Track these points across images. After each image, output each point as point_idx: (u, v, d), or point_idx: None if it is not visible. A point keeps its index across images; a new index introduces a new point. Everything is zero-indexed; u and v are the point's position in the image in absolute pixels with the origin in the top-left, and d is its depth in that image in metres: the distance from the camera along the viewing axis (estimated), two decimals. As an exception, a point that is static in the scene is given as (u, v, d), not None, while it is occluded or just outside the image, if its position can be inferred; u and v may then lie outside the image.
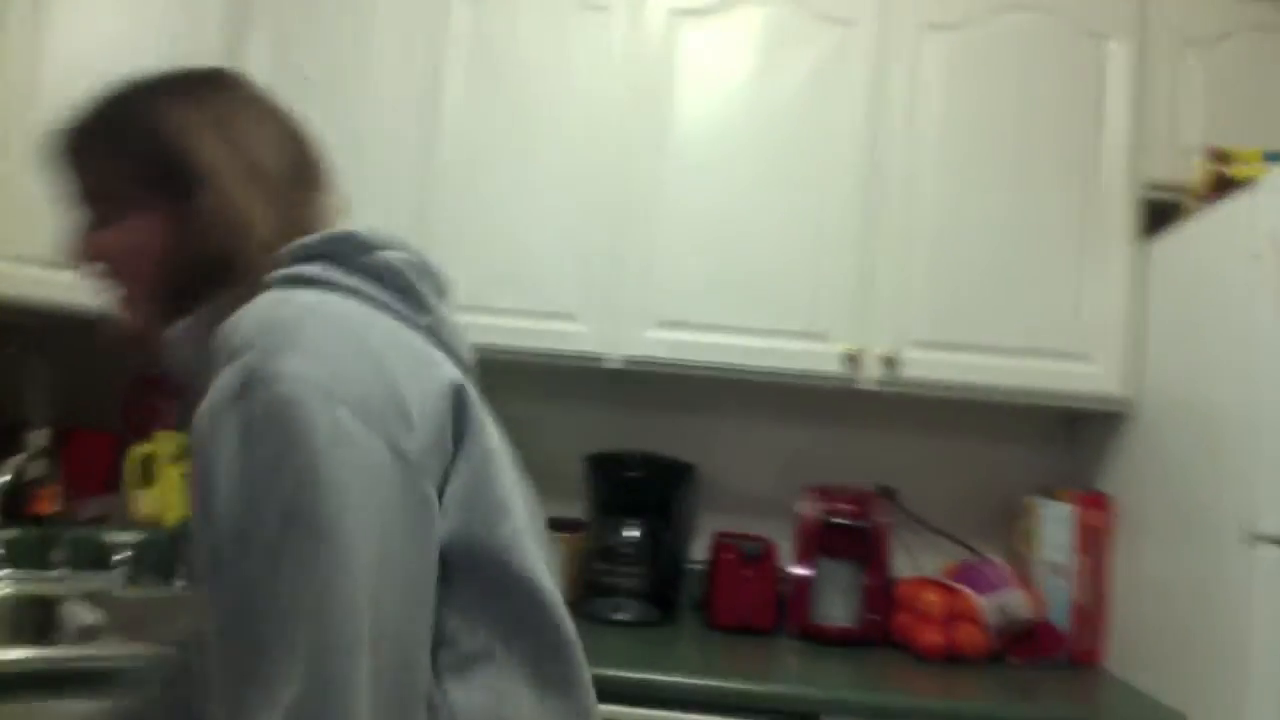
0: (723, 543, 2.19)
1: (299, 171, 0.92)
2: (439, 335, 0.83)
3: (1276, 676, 1.54)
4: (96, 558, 2.02)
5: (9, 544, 1.95)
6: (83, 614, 1.85)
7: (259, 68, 2.15)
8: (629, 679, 1.72)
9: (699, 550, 2.34)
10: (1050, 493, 2.21)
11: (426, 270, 0.86)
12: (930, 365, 2.06)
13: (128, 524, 2.11)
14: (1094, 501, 2.11)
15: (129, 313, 0.87)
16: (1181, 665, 1.78)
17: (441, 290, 0.88)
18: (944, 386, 2.07)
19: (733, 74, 2.13)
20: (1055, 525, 2.13)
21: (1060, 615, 2.10)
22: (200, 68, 0.92)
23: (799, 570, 2.15)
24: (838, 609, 2.11)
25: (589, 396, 2.44)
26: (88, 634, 1.83)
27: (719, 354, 2.09)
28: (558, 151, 2.13)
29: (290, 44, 2.16)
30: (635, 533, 2.16)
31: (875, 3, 2.12)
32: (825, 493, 2.19)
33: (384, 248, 0.83)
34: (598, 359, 2.10)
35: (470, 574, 0.73)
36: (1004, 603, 2.04)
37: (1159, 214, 2.07)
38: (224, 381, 0.66)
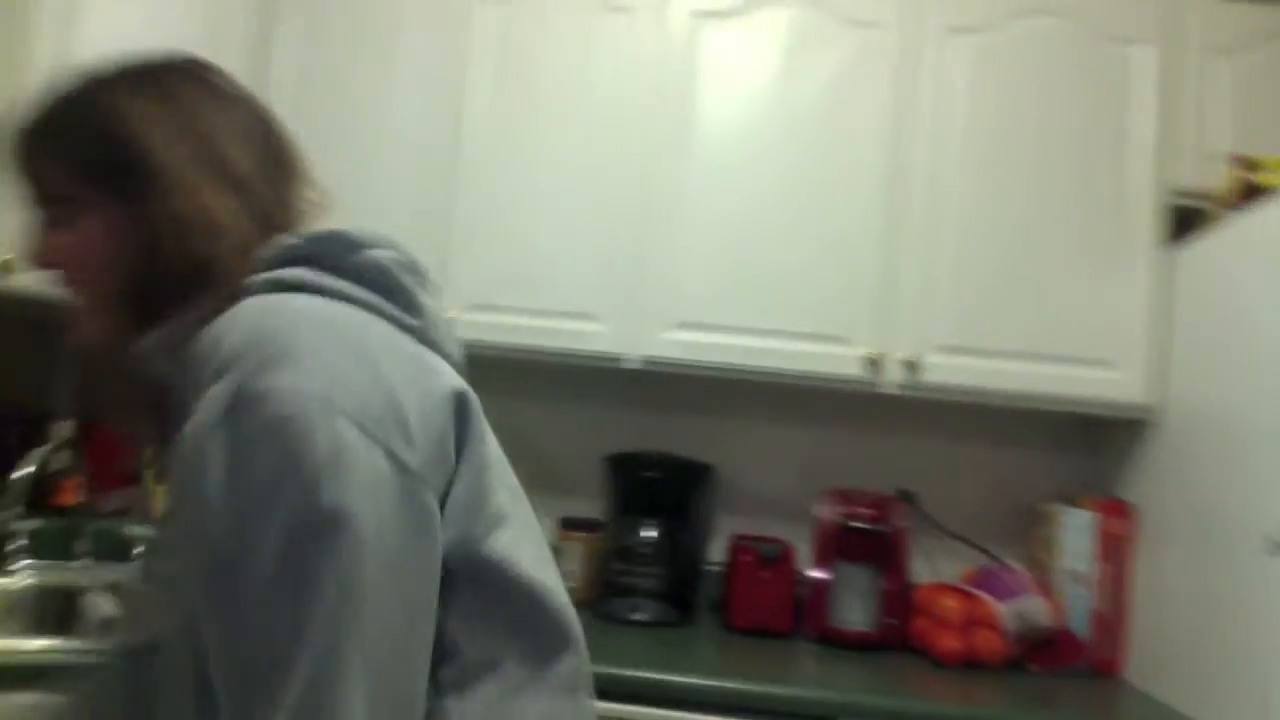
0: (740, 544, 2.18)
1: (272, 166, 0.85)
2: (430, 336, 0.79)
3: (1300, 688, 1.53)
4: (118, 550, 2.04)
5: (32, 534, 1.97)
6: (104, 605, 1.87)
7: (287, 62, 2.17)
8: (645, 679, 1.72)
9: (717, 551, 2.34)
10: (1071, 500, 2.19)
11: (415, 269, 0.82)
12: (952, 370, 2.05)
13: (149, 517, 2.13)
14: (1116, 509, 2.10)
15: (87, 322, 0.81)
16: (1202, 676, 1.76)
17: (429, 288, 0.83)
18: (965, 391, 2.06)
19: (756, 76, 2.13)
20: (1076, 533, 2.12)
21: (1080, 623, 2.08)
22: (163, 56, 0.85)
23: (817, 573, 2.15)
24: (855, 613, 2.10)
25: (608, 397, 2.45)
26: (109, 625, 1.84)
27: (739, 355, 2.09)
28: (580, 152, 2.14)
29: (317, 41, 2.18)
30: (653, 533, 2.16)
31: (898, 6, 2.12)
32: (844, 496, 2.19)
33: (372, 246, 0.78)
34: (617, 359, 2.10)
35: (471, 582, 0.72)
36: (1023, 609, 2.03)
37: (1184, 221, 2.05)
38: (212, 399, 0.63)
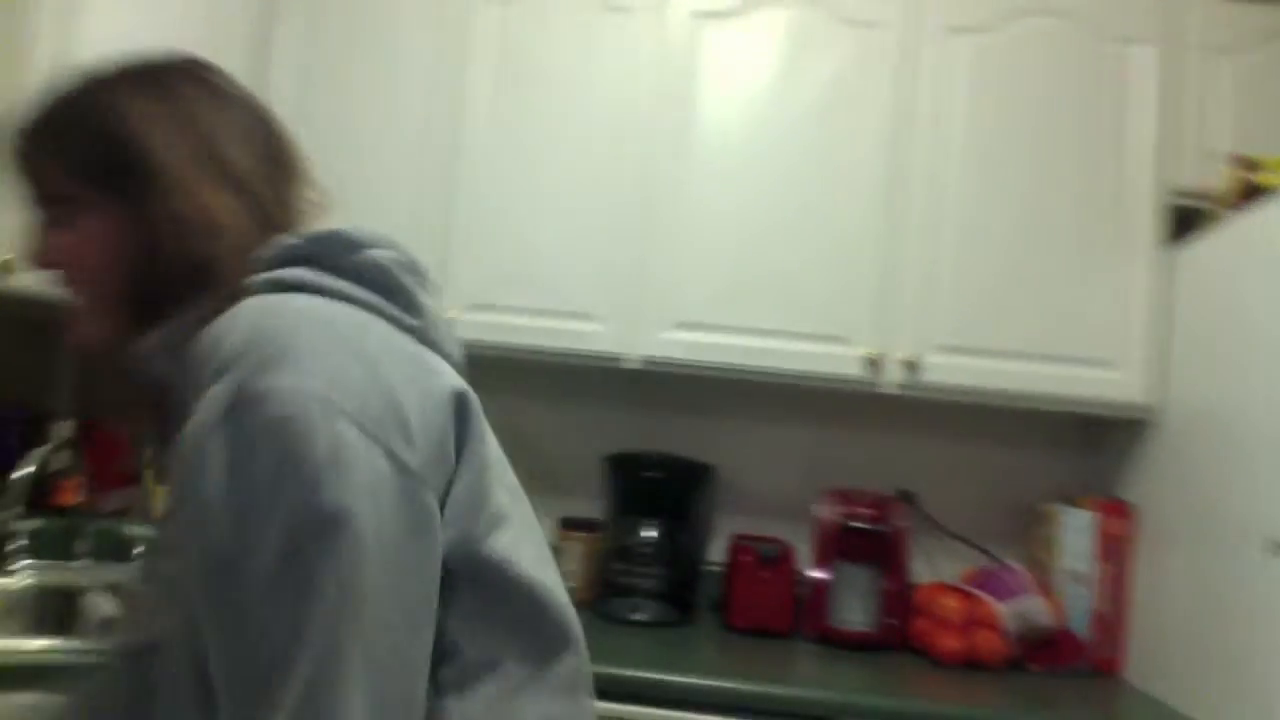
0: (740, 544, 2.18)
1: (272, 165, 0.85)
2: (430, 336, 0.79)
3: (1300, 688, 1.53)
4: (118, 550, 2.04)
5: (33, 534, 1.97)
6: (104, 605, 1.87)
7: (286, 62, 2.17)
8: (645, 679, 1.72)
9: (717, 552, 2.34)
10: (1072, 500, 2.19)
11: (415, 269, 0.81)
12: (952, 370, 2.05)
13: (149, 517, 2.13)
14: (1116, 509, 2.10)
15: (86, 322, 0.81)
16: (1202, 676, 1.76)
17: (429, 288, 0.83)
18: (965, 391, 2.06)
19: (756, 76, 2.13)
20: (1076, 533, 2.12)
21: (1080, 623, 2.08)
22: (163, 56, 0.84)
23: (817, 573, 2.15)
24: (856, 613, 2.10)
25: (608, 397, 2.45)
26: (109, 625, 1.84)
27: (739, 355, 2.08)
28: (580, 152, 2.14)
29: (317, 41, 2.18)
30: (653, 533, 2.16)
31: (899, 6, 2.12)
32: (844, 496, 2.19)
33: (372, 246, 0.78)
34: (617, 359, 2.10)
35: (471, 582, 0.72)
36: (1023, 609, 2.03)
37: (1185, 220, 2.05)
38: (212, 399, 0.63)
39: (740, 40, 2.14)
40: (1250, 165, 1.91)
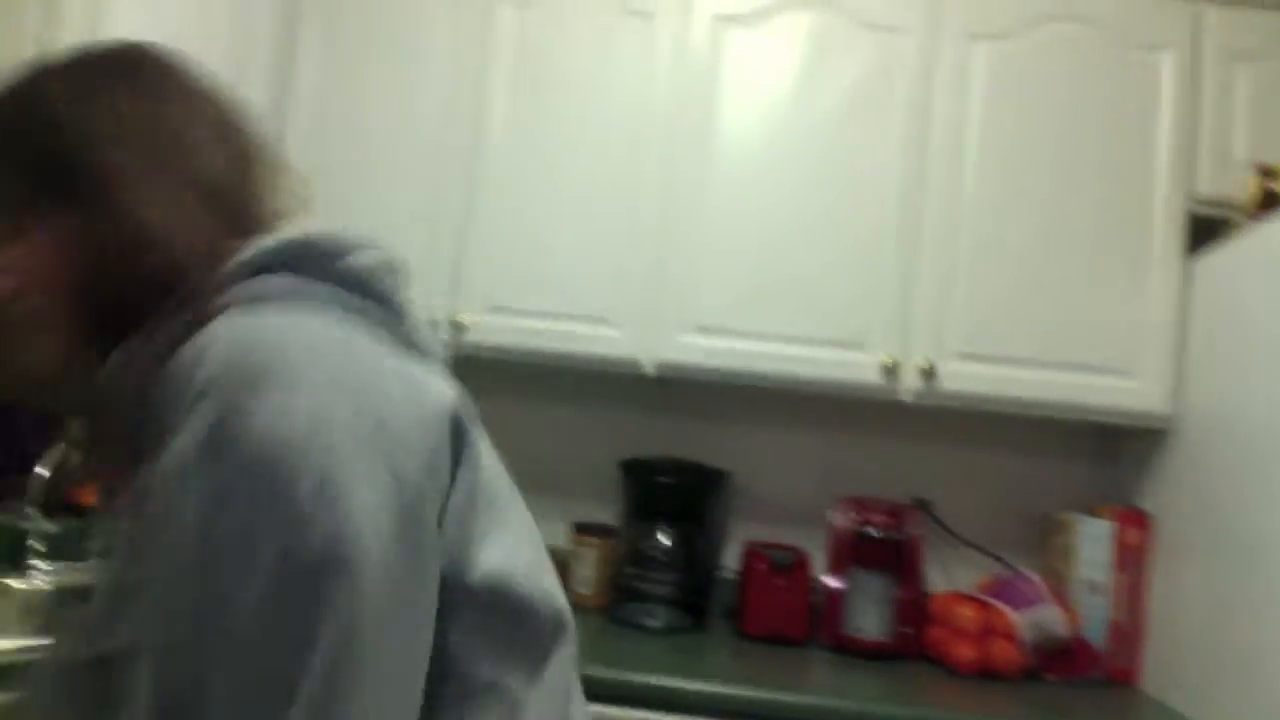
0: (755, 551, 2.18)
1: (245, 162, 0.78)
2: (414, 339, 0.74)
3: (1321, 702, 1.52)
4: (134, 550, 2.04)
5: (49, 535, 1.97)
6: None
7: (307, 66, 2.18)
8: (658, 686, 1.72)
9: (731, 558, 2.34)
10: (1089, 509, 2.18)
11: (395, 268, 0.75)
12: (969, 377, 2.05)
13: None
14: (1133, 519, 2.08)
15: (31, 349, 0.72)
16: (1219, 686, 1.75)
17: (408, 286, 0.77)
18: (982, 399, 2.05)
19: (777, 81, 2.13)
20: (1093, 542, 2.10)
21: (1097, 633, 2.07)
22: (114, 46, 0.76)
23: (832, 581, 2.14)
24: (870, 621, 2.09)
25: (624, 402, 2.44)
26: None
27: (755, 361, 2.08)
28: (599, 156, 2.14)
29: (336, 44, 2.19)
30: (667, 539, 2.16)
31: (921, 12, 2.11)
32: (859, 503, 2.18)
33: (355, 247, 0.72)
34: (634, 364, 2.10)
35: (468, 597, 0.68)
36: (1039, 619, 2.01)
37: (1206, 229, 2.04)
38: (189, 432, 0.57)
39: (761, 44, 2.14)
40: (1272, 174, 1.90)
